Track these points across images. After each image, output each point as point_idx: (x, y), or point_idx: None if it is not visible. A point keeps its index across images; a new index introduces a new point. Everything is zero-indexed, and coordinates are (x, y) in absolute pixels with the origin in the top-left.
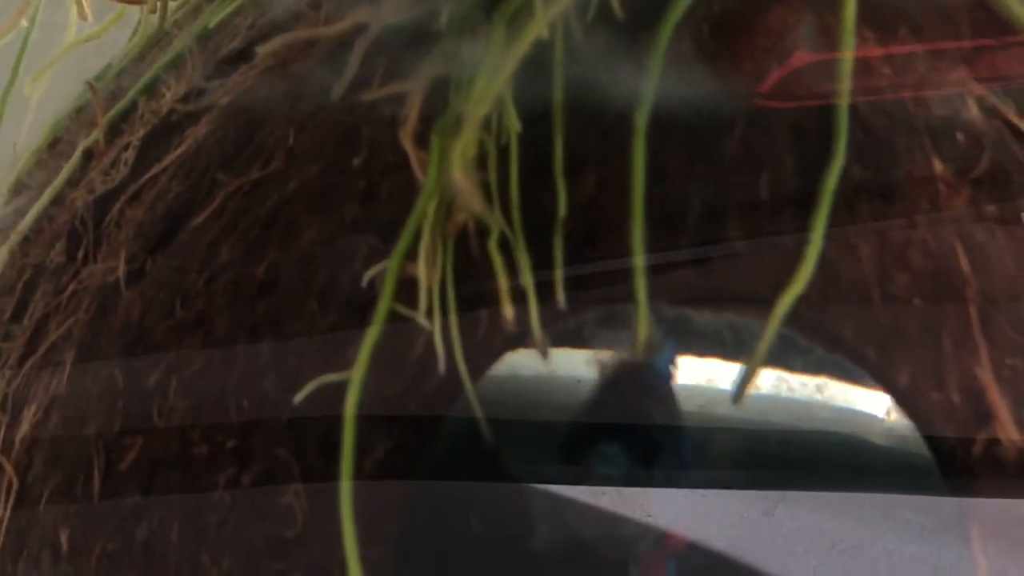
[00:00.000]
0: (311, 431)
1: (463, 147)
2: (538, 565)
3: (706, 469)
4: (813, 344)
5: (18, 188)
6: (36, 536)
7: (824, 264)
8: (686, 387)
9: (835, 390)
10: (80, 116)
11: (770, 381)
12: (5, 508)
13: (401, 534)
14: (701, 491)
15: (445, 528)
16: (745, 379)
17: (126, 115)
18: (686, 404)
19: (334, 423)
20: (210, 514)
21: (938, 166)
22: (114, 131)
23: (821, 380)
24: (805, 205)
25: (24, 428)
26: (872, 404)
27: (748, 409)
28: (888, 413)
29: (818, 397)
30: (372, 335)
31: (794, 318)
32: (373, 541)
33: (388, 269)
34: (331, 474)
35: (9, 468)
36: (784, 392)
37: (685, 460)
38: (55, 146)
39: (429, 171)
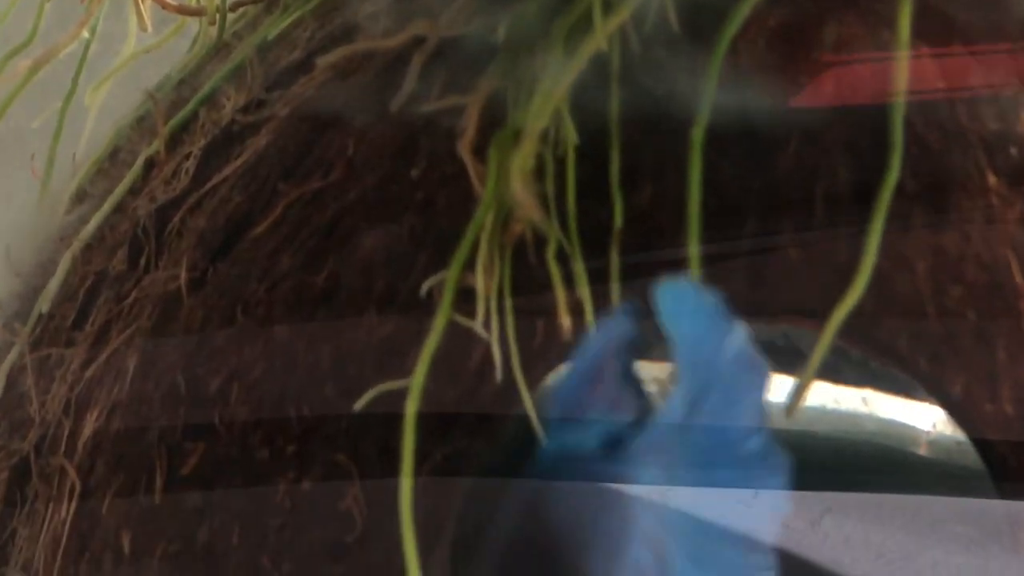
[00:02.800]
0: (370, 437)
1: (521, 159)
2: (587, 562)
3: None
4: (866, 356)
5: (80, 196)
6: (98, 538)
7: (878, 277)
8: None
9: (880, 402)
10: (141, 126)
11: (817, 393)
12: (68, 510)
13: (458, 536)
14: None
15: (501, 529)
16: (798, 391)
17: (187, 125)
18: None
19: (393, 429)
20: (270, 518)
21: (992, 179)
22: (175, 141)
23: (866, 392)
24: (859, 219)
25: (87, 432)
26: (917, 417)
27: (795, 420)
28: (933, 426)
29: (863, 409)
30: (431, 343)
31: (848, 330)
32: (431, 544)
33: (446, 279)
34: (390, 479)
35: (72, 471)
36: (830, 404)
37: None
38: (116, 155)
39: (487, 182)
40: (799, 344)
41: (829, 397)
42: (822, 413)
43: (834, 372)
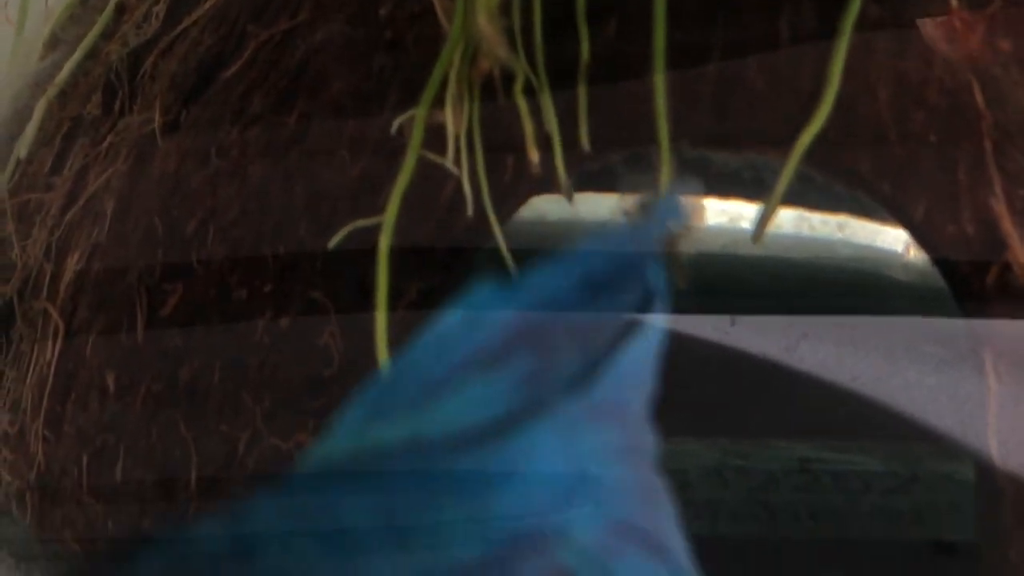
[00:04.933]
0: (346, 273)
1: None
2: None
3: (728, 303)
4: (831, 181)
5: (53, 42)
6: (83, 378)
7: (842, 103)
8: (710, 228)
9: (856, 228)
10: None
11: (791, 220)
12: (52, 352)
13: None
14: (724, 328)
15: None
16: (764, 218)
17: None
18: (710, 244)
19: (368, 265)
20: (250, 355)
21: (954, 3)
22: None
23: (842, 219)
24: (823, 46)
25: (68, 275)
26: (891, 240)
27: (771, 247)
28: (907, 249)
29: (839, 235)
30: (402, 181)
31: (812, 156)
32: None
33: (416, 116)
34: (366, 315)
35: (55, 313)
36: (806, 230)
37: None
38: (87, 0)
39: (454, 19)
40: (764, 175)
41: (805, 224)
42: (798, 240)
43: (803, 199)
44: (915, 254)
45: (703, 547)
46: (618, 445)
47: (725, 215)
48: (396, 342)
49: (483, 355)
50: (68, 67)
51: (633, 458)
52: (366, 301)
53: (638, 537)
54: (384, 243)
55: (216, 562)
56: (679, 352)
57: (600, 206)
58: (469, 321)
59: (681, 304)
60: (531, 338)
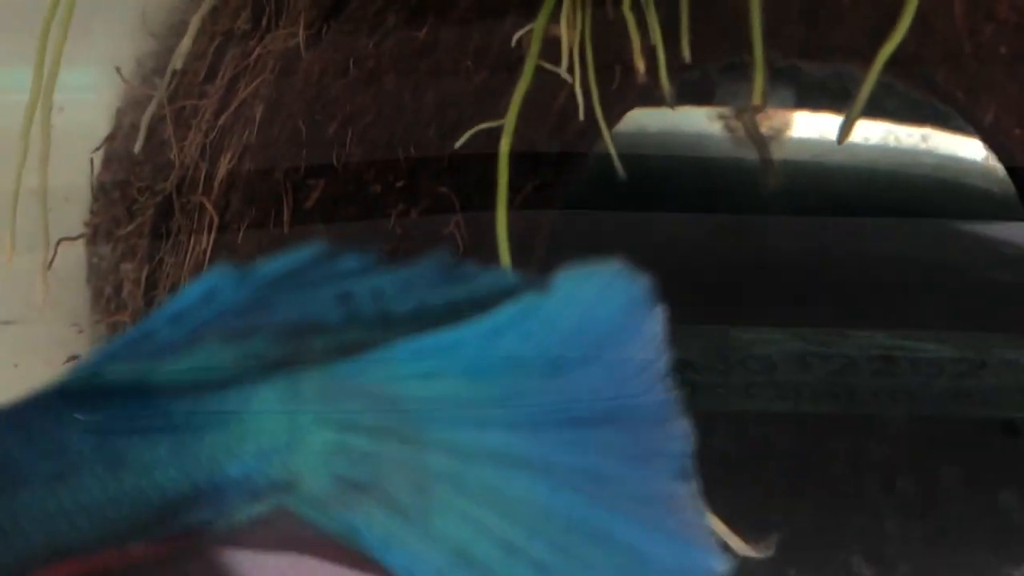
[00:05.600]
0: (469, 172)
1: None
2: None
3: (818, 208)
4: (909, 90)
5: None
6: (236, 263)
7: (920, 17)
8: (800, 140)
9: (939, 139)
10: None
11: (879, 132)
12: (208, 241)
13: (547, 256)
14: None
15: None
16: (848, 123)
17: None
18: (800, 154)
19: (489, 164)
20: (384, 243)
21: None
22: None
23: (926, 130)
24: None
25: (221, 173)
26: (972, 150)
27: (859, 157)
28: (986, 159)
29: (923, 146)
30: (522, 87)
31: (893, 67)
32: (523, 262)
33: (534, 30)
34: (487, 207)
35: (210, 207)
36: (891, 142)
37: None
38: None
39: None
40: (849, 85)
41: (891, 136)
42: (884, 151)
43: (885, 108)
44: (993, 163)
45: (787, 421)
46: (371, 423)
47: (816, 129)
48: (512, 233)
49: (218, 329)
50: None
51: (389, 436)
52: (487, 196)
53: (382, 499)
54: (504, 144)
55: None
56: (768, 251)
57: (696, 118)
58: (206, 297)
59: (773, 207)
60: (276, 327)
